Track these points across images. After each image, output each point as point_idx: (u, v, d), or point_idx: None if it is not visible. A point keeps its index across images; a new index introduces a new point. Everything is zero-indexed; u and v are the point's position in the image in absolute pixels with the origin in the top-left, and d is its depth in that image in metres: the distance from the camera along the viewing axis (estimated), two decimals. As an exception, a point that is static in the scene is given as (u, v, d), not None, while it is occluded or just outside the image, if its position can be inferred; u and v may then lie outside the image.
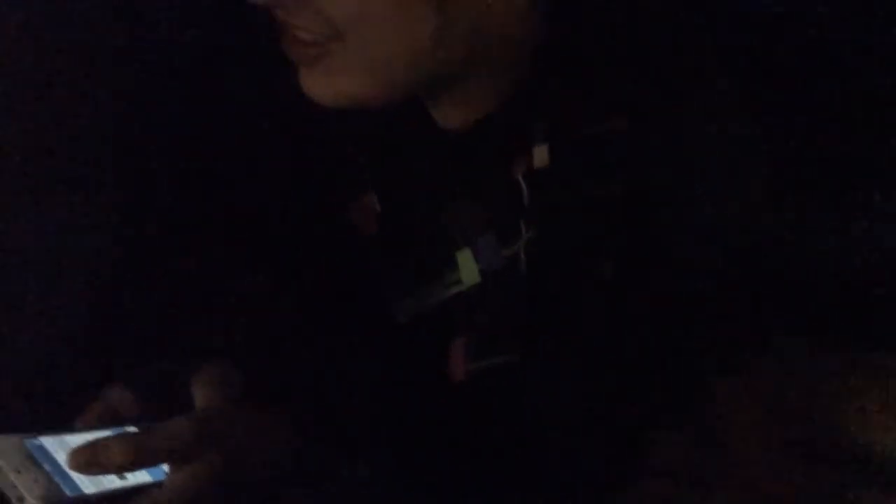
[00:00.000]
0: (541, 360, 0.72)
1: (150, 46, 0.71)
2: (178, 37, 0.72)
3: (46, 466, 0.60)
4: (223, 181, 0.73)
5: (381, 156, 0.74)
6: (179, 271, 0.70)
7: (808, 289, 0.61)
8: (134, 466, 0.61)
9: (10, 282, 0.70)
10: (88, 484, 0.60)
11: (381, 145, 0.74)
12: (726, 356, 0.58)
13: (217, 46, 0.71)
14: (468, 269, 0.73)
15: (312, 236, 0.74)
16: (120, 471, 0.61)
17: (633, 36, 0.68)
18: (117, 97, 0.71)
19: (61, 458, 0.60)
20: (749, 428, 0.48)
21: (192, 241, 0.71)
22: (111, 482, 0.61)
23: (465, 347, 0.74)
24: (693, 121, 0.68)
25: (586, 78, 0.68)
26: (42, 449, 0.60)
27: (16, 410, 0.69)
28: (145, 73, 0.71)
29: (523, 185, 0.70)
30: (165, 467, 0.63)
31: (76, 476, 0.60)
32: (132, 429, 0.64)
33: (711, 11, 0.69)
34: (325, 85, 0.65)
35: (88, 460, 0.60)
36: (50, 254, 0.70)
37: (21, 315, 0.70)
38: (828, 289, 0.60)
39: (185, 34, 0.71)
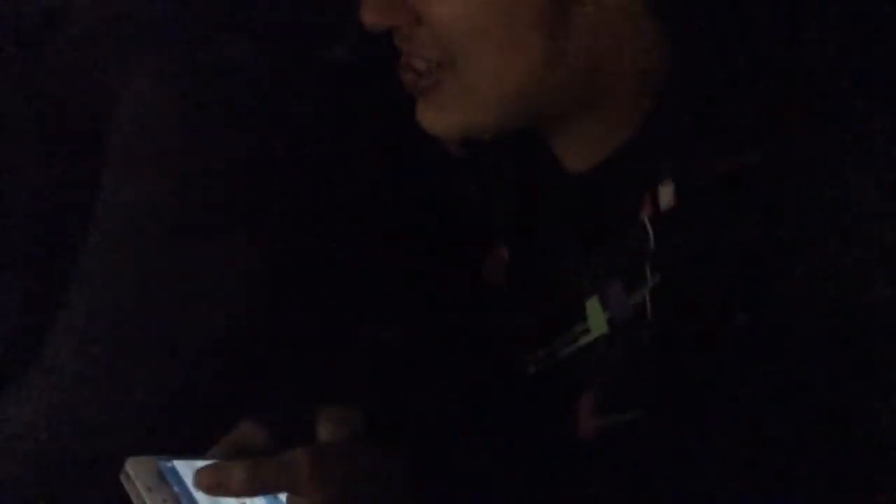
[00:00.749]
0: (669, 418, 0.67)
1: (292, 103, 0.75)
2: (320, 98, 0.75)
3: (175, 487, 0.62)
4: (363, 234, 0.75)
5: (512, 204, 0.73)
6: (318, 318, 0.72)
7: None
8: (252, 492, 0.62)
9: (153, 325, 0.73)
10: None
11: (512, 193, 0.73)
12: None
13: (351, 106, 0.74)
14: (596, 318, 0.70)
15: (446, 288, 0.74)
16: (239, 494, 0.62)
17: (765, 66, 0.65)
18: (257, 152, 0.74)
19: (190, 481, 0.62)
20: None
21: (331, 289, 0.73)
22: None
23: (594, 402, 0.70)
24: (838, 154, 0.63)
25: (714, 112, 0.65)
26: (174, 471, 0.63)
27: (160, 437, 0.72)
28: (285, 131, 0.74)
29: (649, 229, 0.67)
30: (283, 496, 0.63)
31: (202, 498, 0.62)
32: None
33: (852, 33, 0.64)
34: (438, 115, 0.67)
35: (211, 481, 0.62)
36: (192, 295, 0.74)
37: (165, 352, 0.74)
38: None
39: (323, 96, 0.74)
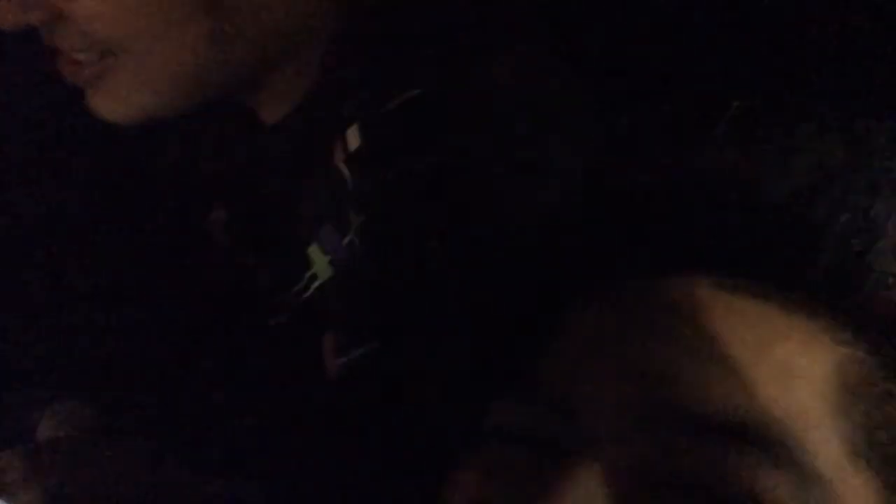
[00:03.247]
0: (395, 345, 0.70)
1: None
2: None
3: None
4: (80, 196, 0.74)
5: (218, 163, 0.74)
6: (31, 301, 0.72)
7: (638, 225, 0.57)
8: None
9: None
10: None
11: (221, 153, 0.74)
12: (563, 311, 0.55)
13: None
14: (320, 263, 0.72)
15: (172, 255, 0.75)
16: None
17: (422, 8, 0.67)
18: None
19: None
20: (595, 386, 0.44)
21: (47, 273, 0.73)
22: None
23: (333, 342, 0.73)
24: (484, 78, 0.65)
25: (382, 54, 0.67)
26: None
27: None
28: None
29: (345, 170, 0.69)
30: None
31: None
32: None
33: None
34: (112, 104, 0.66)
35: None
36: None
37: None
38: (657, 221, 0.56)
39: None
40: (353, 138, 0.68)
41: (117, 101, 0.66)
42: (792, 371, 0.41)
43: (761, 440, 0.40)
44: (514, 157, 0.64)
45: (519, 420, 0.46)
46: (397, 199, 0.67)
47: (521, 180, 0.64)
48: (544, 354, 0.47)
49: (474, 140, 0.64)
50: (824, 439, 0.40)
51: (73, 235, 0.74)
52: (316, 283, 0.73)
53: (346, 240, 0.71)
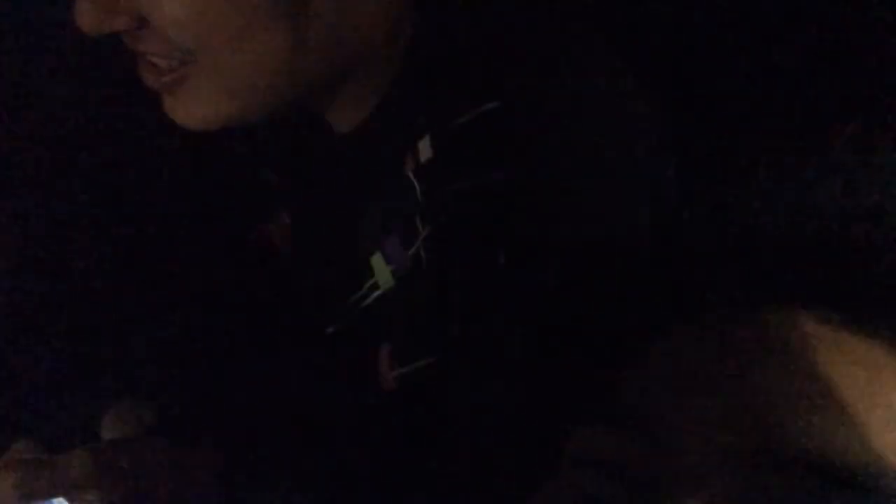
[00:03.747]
0: (459, 358, 0.69)
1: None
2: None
3: None
4: (135, 213, 0.74)
5: (288, 169, 0.74)
6: (96, 306, 0.72)
7: (727, 259, 0.56)
8: (28, 497, 0.62)
9: None
10: None
11: (288, 160, 0.74)
12: (639, 337, 0.54)
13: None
14: (382, 273, 0.72)
15: (231, 262, 0.75)
16: (13, 501, 0.62)
17: (497, 17, 0.66)
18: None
19: None
20: (689, 419, 0.43)
21: (109, 276, 0.73)
22: None
23: (391, 354, 0.73)
24: (566, 94, 0.65)
25: (455, 68, 0.67)
26: None
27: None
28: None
29: (414, 181, 0.69)
30: None
31: None
32: None
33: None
34: (189, 110, 0.65)
35: None
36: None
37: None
38: (733, 256, 0.55)
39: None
40: (425, 149, 0.68)
41: (195, 106, 0.65)
42: None
43: (875, 489, 0.38)
44: (591, 174, 0.64)
45: (603, 448, 0.44)
46: (467, 212, 0.67)
47: (599, 197, 0.64)
48: (628, 380, 0.46)
49: (550, 155, 0.64)
50: None
51: (138, 237, 0.73)
52: (376, 294, 0.73)
53: (412, 251, 0.70)
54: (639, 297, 0.52)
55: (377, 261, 0.72)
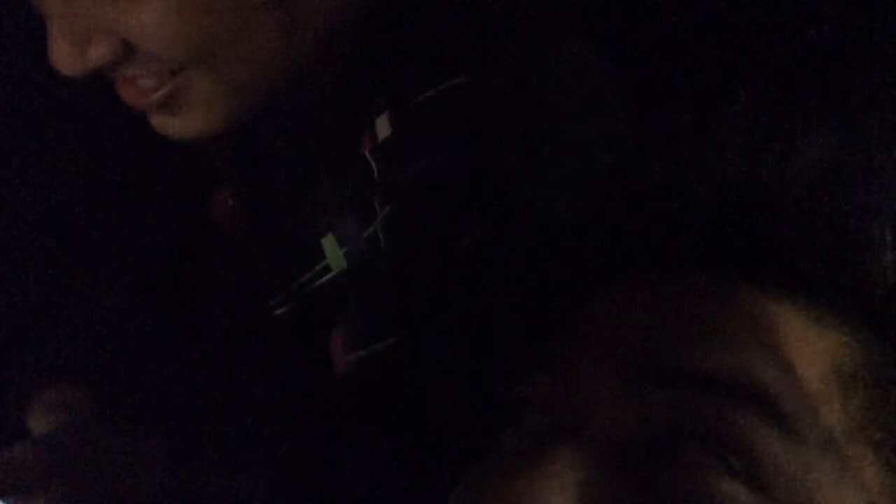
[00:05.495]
0: (417, 341, 0.68)
1: None
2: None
3: None
4: (74, 184, 0.70)
5: (235, 147, 0.71)
6: (22, 278, 0.67)
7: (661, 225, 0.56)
8: None
9: None
10: None
11: (234, 136, 0.71)
12: (581, 299, 0.55)
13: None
14: (334, 255, 0.70)
15: (167, 241, 0.71)
16: None
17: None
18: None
19: None
20: (596, 364, 0.44)
21: (41, 249, 0.68)
22: None
23: (345, 337, 0.71)
24: (533, 69, 0.64)
25: (415, 42, 0.65)
26: None
27: None
28: None
29: (371, 162, 0.67)
30: None
31: None
32: None
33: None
34: (185, 122, 0.61)
35: None
36: None
37: None
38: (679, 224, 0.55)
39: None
40: (383, 127, 0.66)
41: (192, 117, 0.61)
42: (797, 353, 0.43)
43: (768, 405, 0.41)
44: (558, 150, 0.63)
45: (532, 402, 0.46)
46: (429, 191, 0.65)
47: (558, 176, 0.63)
48: (561, 336, 0.48)
49: (517, 132, 0.63)
50: (833, 413, 0.42)
51: (72, 218, 0.69)
52: (328, 276, 0.71)
53: (367, 232, 0.68)
54: (580, 268, 0.53)
55: (329, 242, 0.70)
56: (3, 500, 0.58)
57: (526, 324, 0.62)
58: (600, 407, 0.43)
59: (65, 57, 0.57)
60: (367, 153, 0.67)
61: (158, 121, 0.62)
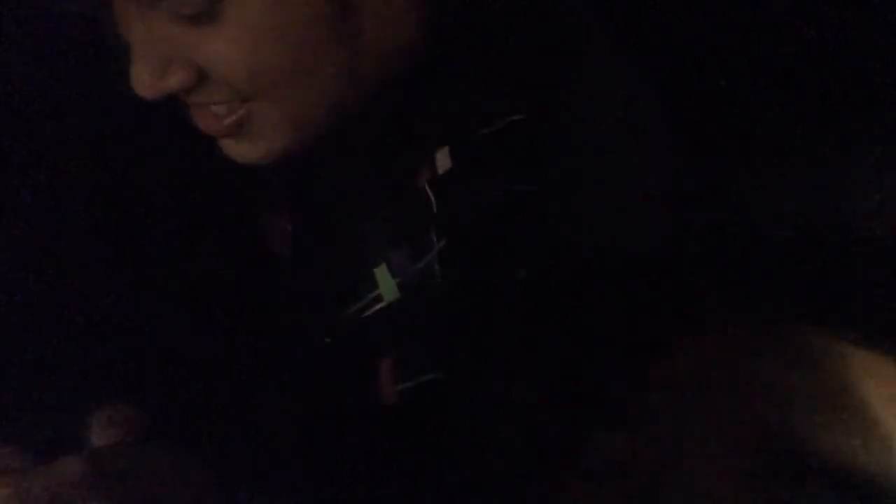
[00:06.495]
0: (467, 375, 0.68)
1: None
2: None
3: None
4: (135, 215, 0.71)
5: (293, 173, 0.72)
6: (84, 303, 0.68)
7: (732, 266, 0.56)
8: None
9: None
10: None
11: (292, 162, 0.72)
12: (652, 347, 0.54)
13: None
14: (387, 285, 0.70)
15: (227, 262, 0.72)
16: None
17: (517, 26, 0.66)
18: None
19: None
20: (687, 421, 0.42)
21: (99, 273, 0.69)
22: None
23: (393, 367, 0.71)
24: (589, 103, 0.65)
25: (475, 77, 0.66)
26: None
27: None
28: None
29: (430, 194, 0.68)
30: None
31: None
32: None
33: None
34: (252, 148, 0.63)
35: None
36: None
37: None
38: (754, 264, 0.55)
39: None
40: (444, 160, 0.67)
41: (258, 143, 0.63)
42: None
43: (882, 495, 0.38)
44: (614, 188, 0.64)
45: (615, 456, 0.44)
46: (486, 225, 0.66)
47: (621, 212, 0.64)
48: (633, 386, 0.46)
49: (574, 168, 0.64)
50: None
51: (131, 233, 0.70)
52: (379, 306, 0.71)
53: (421, 264, 0.69)
54: (648, 304, 0.53)
55: (381, 272, 0.71)
56: None
57: (581, 367, 0.63)
58: (707, 482, 0.40)
59: (144, 80, 0.60)
60: (425, 185, 0.68)
61: (227, 146, 0.64)
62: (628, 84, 0.67)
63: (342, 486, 0.69)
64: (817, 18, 0.66)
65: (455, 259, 0.67)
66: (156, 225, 0.71)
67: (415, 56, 0.65)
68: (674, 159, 0.66)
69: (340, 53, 0.61)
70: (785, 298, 0.45)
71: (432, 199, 0.68)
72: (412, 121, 0.68)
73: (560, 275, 0.65)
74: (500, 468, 0.67)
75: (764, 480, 0.40)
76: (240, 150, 0.64)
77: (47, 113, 0.69)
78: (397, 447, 0.70)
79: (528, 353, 0.66)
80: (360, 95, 0.63)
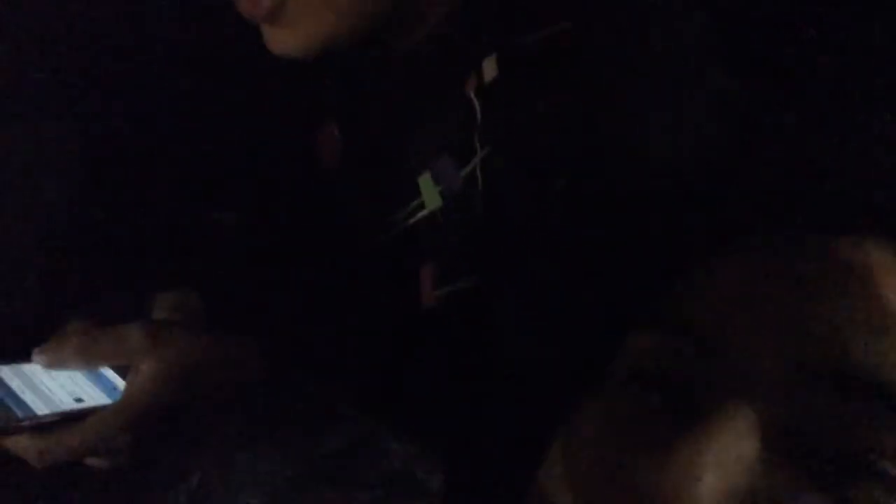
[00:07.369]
0: (505, 280, 0.70)
1: None
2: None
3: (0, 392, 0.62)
4: (186, 114, 0.73)
5: (340, 85, 0.74)
6: (143, 202, 0.71)
7: (770, 184, 0.57)
8: (87, 362, 0.63)
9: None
10: (43, 407, 0.62)
11: (339, 74, 0.74)
12: (691, 255, 0.55)
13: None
14: (430, 193, 0.72)
15: (277, 168, 0.75)
16: (76, 366, 0.63)
17: None
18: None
19: (16, 384, 0.62)
20: (752, 333, 0.41)
21: (155, 173, 0.72)
22: (66, 405, 0.63)
23: (433, 272, 0.73)
24: (638, 19, 0.66)
25: None
26: None
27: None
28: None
29: (475, 102, 0.69)
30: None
31: (31, 401, 0.62)
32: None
33: None
34: (288, 37, 0.65)
35: (49, 356, 0.63)
36: (15, 186, 0.72)
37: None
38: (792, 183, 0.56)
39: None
40: (490, 69, 0.68)
41: (294, 33, 0.65)
42: None
43: None
44: (662, 98, 0.65)
45: (656, 360, 0.45)
46: (531, 133, 0.68)
47: (666, 124, 0.65)
48: (679, 294, 0.47)
49: (621, 79, 0.65)
50: None
51: (191, 143, 0.73)
52: (423, 213, 0.73)
53: (465, 172, 0.71)
54: (697, 216, 0.54)
55: (425, 180, 0.72)
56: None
57: (620, 275, 0.64)
58: (763, 389, 0.40)
59: None
60: (471, 93, 0.69)
61: (267, 34, 0.66)
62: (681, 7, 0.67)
63: (383, 374, 0.71)
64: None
65: (497, 166, 0.69)
66: (214, 134, 0.74)
67: None
68: (724, 80, 0.66)
69: None
70: (843, 218, 0.46)
71: (477, 107, 0.69)
72: (459, 28, 0.69)
73: (600, 186, 0.66)
74: (531, 380, 0.69)
75: (819, 392, 0.40)
76: (280, 38, 0.66)
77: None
78: (436, 346, 0.73)
79: (566, 262, 0.68)
80: None
